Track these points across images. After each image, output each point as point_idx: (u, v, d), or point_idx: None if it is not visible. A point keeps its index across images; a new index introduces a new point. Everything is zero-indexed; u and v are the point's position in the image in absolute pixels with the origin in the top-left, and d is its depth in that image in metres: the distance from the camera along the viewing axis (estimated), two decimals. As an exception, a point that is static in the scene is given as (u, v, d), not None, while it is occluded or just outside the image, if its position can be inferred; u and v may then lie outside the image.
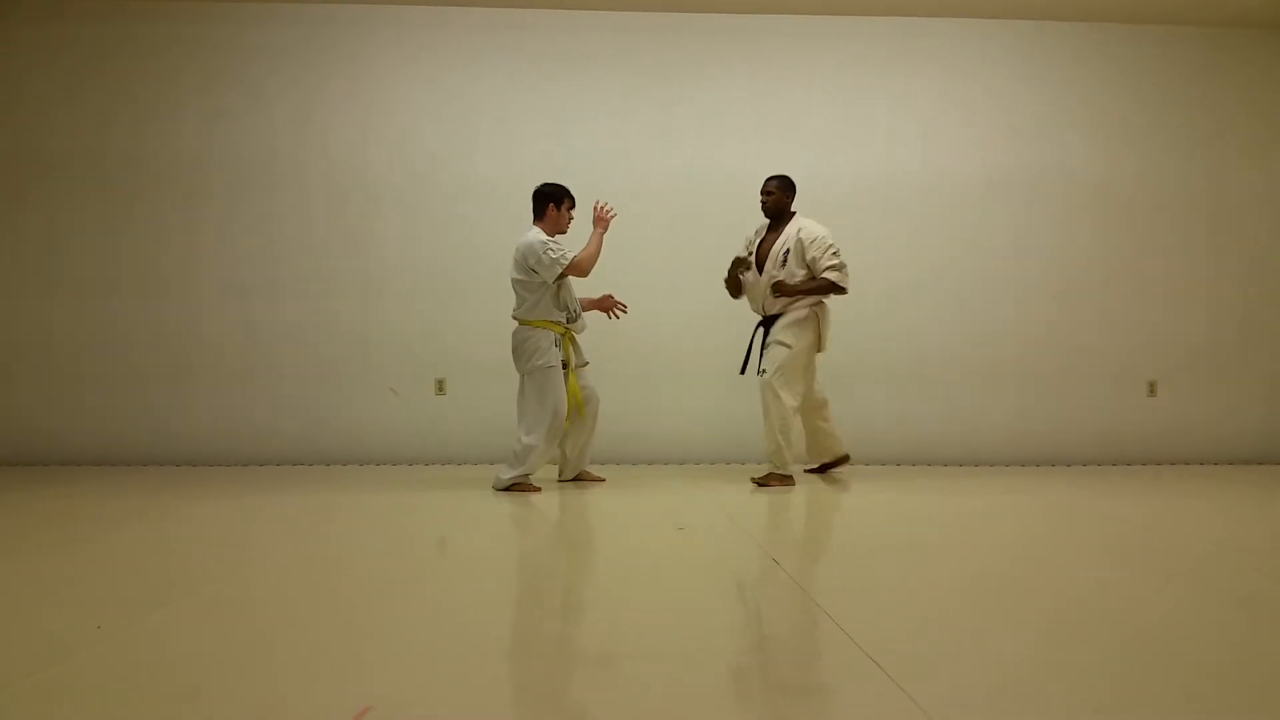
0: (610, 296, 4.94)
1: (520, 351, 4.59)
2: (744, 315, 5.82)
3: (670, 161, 6.09)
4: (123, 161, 5.99)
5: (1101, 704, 1.57)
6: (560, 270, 4.47)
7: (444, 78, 6.10)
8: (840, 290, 4.80)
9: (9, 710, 1.52)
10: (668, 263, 6.02)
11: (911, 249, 6.15)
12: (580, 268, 4.54)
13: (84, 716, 1.50)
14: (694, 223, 6.01)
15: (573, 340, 4.74)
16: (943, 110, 6.23)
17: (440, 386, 5.97)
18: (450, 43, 6.11)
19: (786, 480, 4.78)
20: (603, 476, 5.01)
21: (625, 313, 4.98)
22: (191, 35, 6.04)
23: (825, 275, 4.74)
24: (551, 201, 4.62)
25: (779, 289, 4.78)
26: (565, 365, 4.61)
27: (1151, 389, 6.22)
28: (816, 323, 4.84)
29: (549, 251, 4.44)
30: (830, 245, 4.76)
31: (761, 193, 4.98)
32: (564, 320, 4.64)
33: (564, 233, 4.67)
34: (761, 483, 4.77)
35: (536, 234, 4.52)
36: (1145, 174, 6.28)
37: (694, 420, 6.03)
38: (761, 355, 4.90)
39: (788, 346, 4.75)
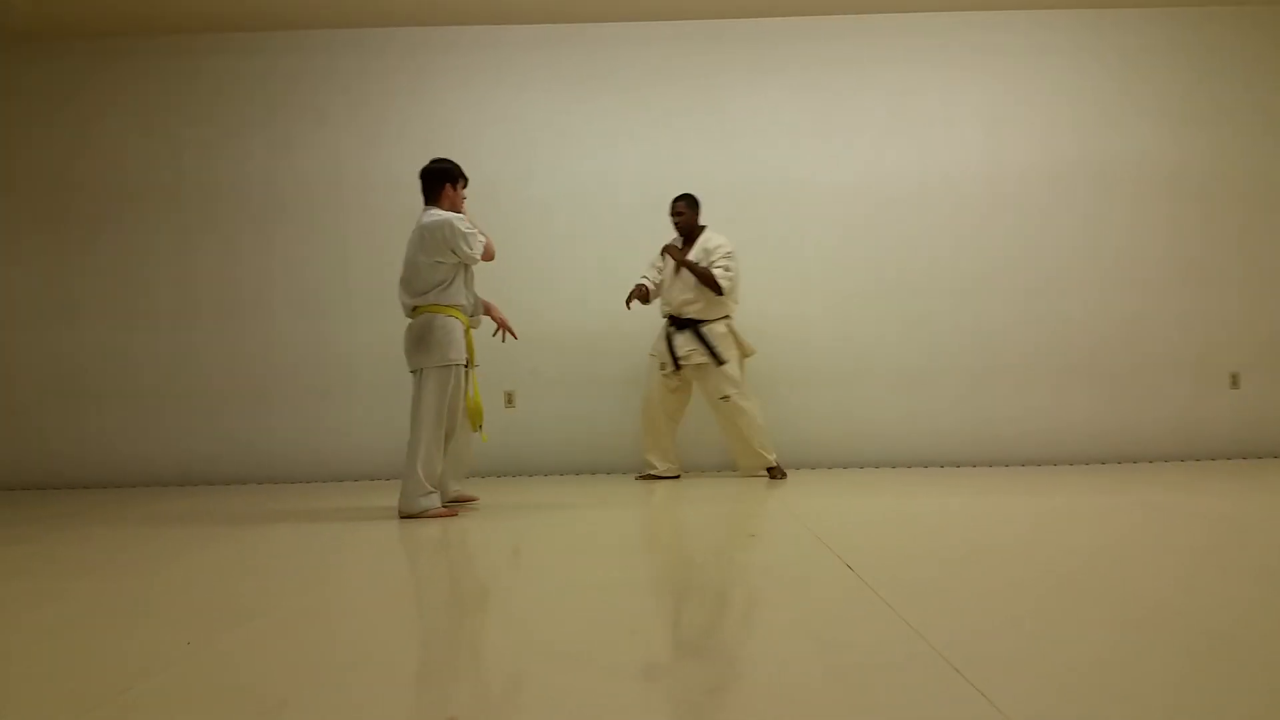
0: (504, 320, 4.53)
1: (426, 342, 4.06)
2: (801, 320, 5.83)
3: (725, 167, 6.09)
4: (196, 190, 6.20)
5: (1186, 708, 1.53)
6: (482, 249, 4.12)
7: (497, 96, 6.20)
8: (717, 289, 5.16)
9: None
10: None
11: (977, 245, 6.05)
12: (490, 250, 4.26)
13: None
14: (751, 227, 6.00)
15: (469, 334, 4.26)
16: (1004, 103, 6.13)
17: (509, 399, 6.04)
18: (502, 62, 6.21)
19: (781, 472, 5.33)
20: (475, 495, 4.61)
21: (514, 339, 4.61)
22: (257, 66, 6.24)
23: (707, 270, 5.16)
24: (449, 180, 4.21)
25: (668, 250, 5.28)
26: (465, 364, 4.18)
27: (1234, 381, 6.02)
28: (734, 335, 5.29)
29: (468, 228, 4.04)
30: (728, 254, 5.21)
31: (672, 214, 5.34)
32: (469, 310, 4.27)
33: (460, 214, 4.20)
34: (774, 475, 5.32)
35: (445, 212, 4.10)
36: (1219, 161, 6.08)
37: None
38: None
39: (724, 363, 5.21)
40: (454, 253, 4.05)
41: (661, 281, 5.38)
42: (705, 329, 5.23)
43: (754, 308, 5.92)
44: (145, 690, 1.76)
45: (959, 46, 6.16)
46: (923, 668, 1.74)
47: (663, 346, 5.33)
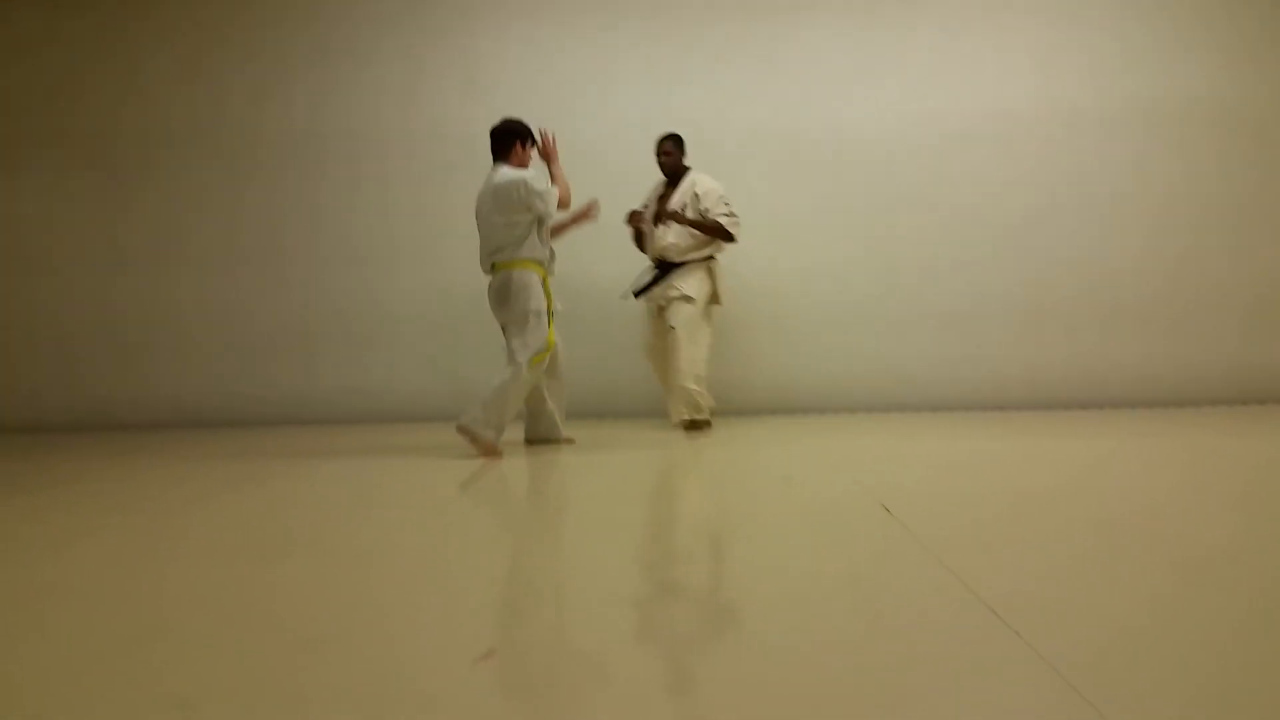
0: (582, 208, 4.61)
1: (506, 297, 4.21)
2: (845, 262, 5.75)
3: (771, 108, 6.00)
4: (241, 136, 6.21)
5: (1238, 656, 1.49)
6: (555, 201, 4.20)
7: (542, 38, 6.12)
8: (729, 237, 5.01)
9: (156, 658, 1.62)
10: (775, 211, 5.93)
11: (1025, 185, 5.93)
12: (565, 201, 4.30)
13: (221, 664, 1.58)
14: (796, 169, 5.91)
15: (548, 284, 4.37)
16: (1054, 40, 5.97)
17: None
18: (545, 3, 6.12)
19: (705, 426, 5.08)
20: (572, 437, 4.59)
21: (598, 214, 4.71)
22: (300, 9, 6.20)
23: (715, 220, 4.95)
24: (519, 139, 4.28)
25: (674, 217, 4.97)
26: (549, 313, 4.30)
27: (1288, 322, 5.85)
28: (711, 277, 5.08)
29: (539, 183, 4.15)
30: (722, 196, 4.99)
31: (660, 153, 5.13)
32: (548, 261, 4.36)
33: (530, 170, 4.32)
34: (689, 426, 5.03)
35: (515, 169, 4.21)
36: (1272, 96, 5.89)
37: (796, 370, 5.93)
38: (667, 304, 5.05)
39: (690, 299, 4.97)
40: (529, 209, 4.14)
41: (645, 225, 5.18)
42: (679, 272, 5.04)
43: (798, 250, 5.87)
44: (188, 625, 1.79)
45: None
46: (963, 614, 1.71)
47: (654, 291, 5.16)
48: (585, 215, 4.65)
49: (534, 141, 4.34)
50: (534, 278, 4.23)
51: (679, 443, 4.66)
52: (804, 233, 5.86)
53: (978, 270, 5.89)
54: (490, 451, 4.08)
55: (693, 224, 4.97)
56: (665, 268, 5.10)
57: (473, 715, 1.35)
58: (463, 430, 4.09)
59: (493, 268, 4.29)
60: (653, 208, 5.16)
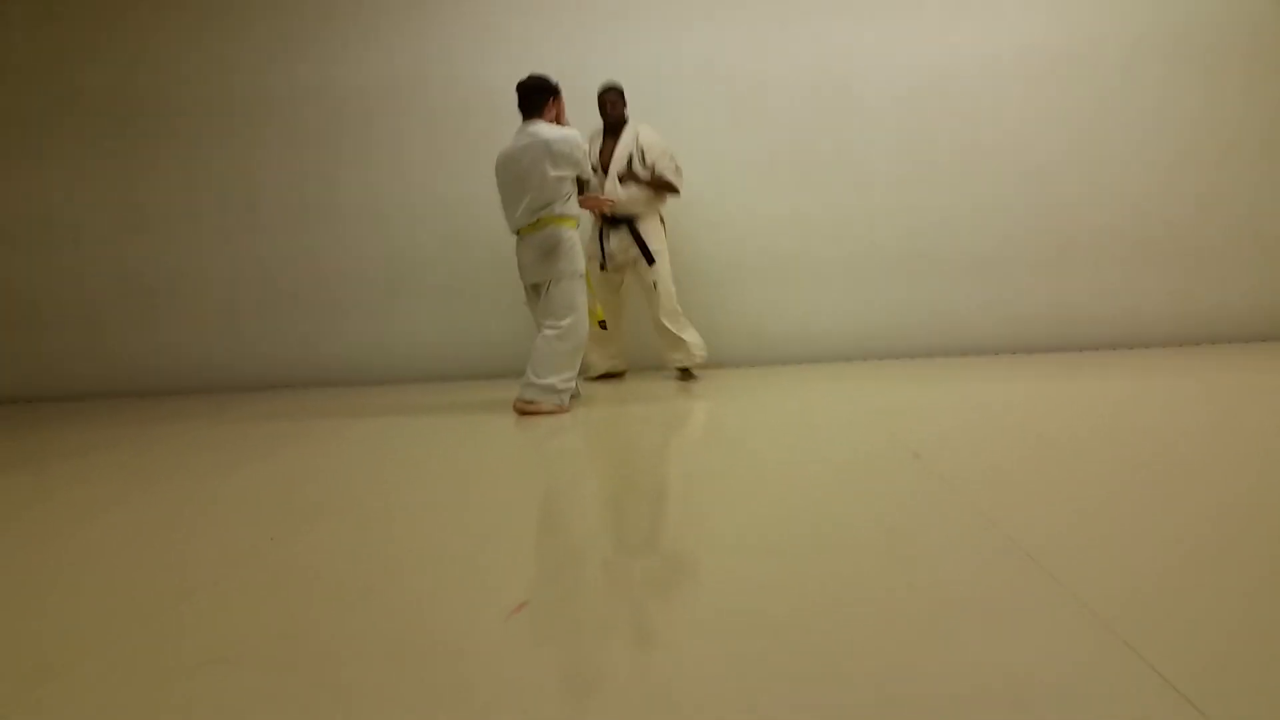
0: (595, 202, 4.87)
1: (555, 254, 4.25)
2: (865, 208, 5.70)
3: (788, 51, 5.87)
4: (254, 96, 6.17)
5: (1268, 592, 1.48)
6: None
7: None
8: (675, 191, 5.09)
9: (194, 617, 1.65)
10: (794, 157, 5.87)
11: (1048, 122, 5.79)
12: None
13: (258, 622, 1.61)
14: (813, 114, 5.82)
15: None
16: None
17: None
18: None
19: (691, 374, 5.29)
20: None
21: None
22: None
23: (664, 177, 5.01)
24: (552, 94, 4.33)
25: (631, 177, 4.97)
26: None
27: (1318, 255, 5.74)
28: (663, 224, 5.20)
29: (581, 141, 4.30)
30: (666, 149, 5.05)
31: (605, 105, 5.08)
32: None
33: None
34: (687, 375, 5.28)
35: (563, 128, 4.28)
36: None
37: (821, 318, 5.91)
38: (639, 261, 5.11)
39: (663, 252, 5.11)
40: (577, 167, 4.25)
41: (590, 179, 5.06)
42: (640, 225, 5.09)
43: (816, 196, 5.80)
44: (223, 585, 1.82)
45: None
46: (999, 558, 1.71)
47: (595, 247, 5.19)
48: (598, 204, 4.86)
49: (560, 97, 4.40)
50: (576, 236, 4.31)
51: (693, 393, 4.65)
52: (824, 178, 5.79)
53: (1000, 212, 5.80)
54: (556, 410, 4.19)
55: (649, 184, 5.02)
56: (613, 222, 5.12)
57: (505, 668, 1.36)
58: (523, 407, 4.18)
59: (534, 224, 4.27)
60: (594, 159, 5.07)
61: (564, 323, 4.24)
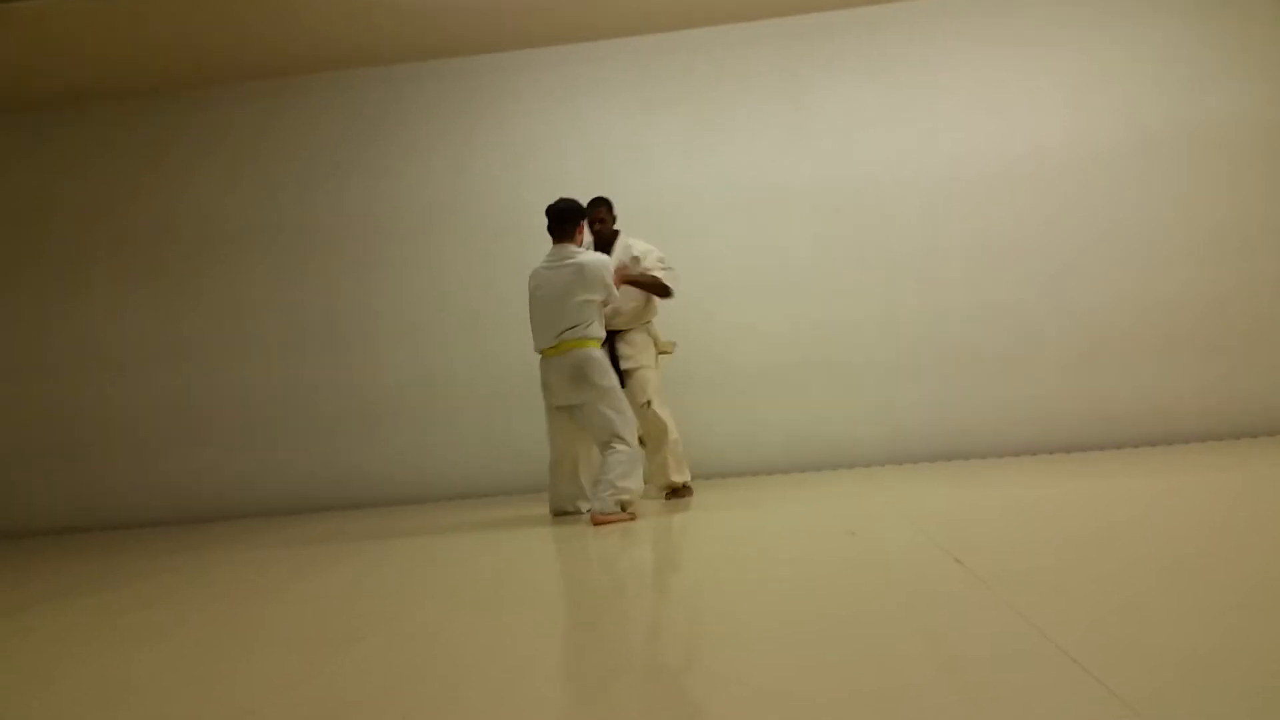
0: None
1: (593, 371, 4.33)
2: (891, 311, 5.76)
3: (806, 164, 6.09)
4: (294, 225, 6.44)
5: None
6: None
7: (582, 111, 6.31)
8: (667, 293, 4.83)
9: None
10: (817, 264, 6.00)
11: (1067, 223, 5.90)
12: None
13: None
14: (836, 221, 5.97)
15: None
16: (1086, 73, 5.97)
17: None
18: (581, 78, 6.33)
19: (688, 491, 4.94)
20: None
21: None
22: (345, 103, 6.48)
23: (649, 274, 4.79)
24: (583, 218, 4.56)
25: (621, 275, 4.71)
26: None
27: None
28: (653, 340, 4.98)
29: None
30: (659, 255, 4.88)
31: (593, 221, 4.90)
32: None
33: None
34: (674, 493, 4.89)
35: (596, 254, 4.50)
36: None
37: (851, 422, 5.91)
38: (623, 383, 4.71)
39: (648, 367, 4.86)
40: (607, 289, 4.41)
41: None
42: (624, 339, 4.85)
43: (844, 301, 5.87)
44: (267, 712, 1.83)
45: (1033, 21, 6.02)
46: (1041, 661, 1.69)
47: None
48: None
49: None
50: (604, 353, 4.45)
51: (727, 505, 4.64)
52: (848, 284, 5.90)
53: (1026, 310, 5.84)
54: (624, 519, 4.19)
55: (642, 281, 4.79)
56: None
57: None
58: (599, 520, 4.16)
59: (557, 346, 4.39)
60: None
61: (621, 434, 4.30)
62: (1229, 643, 1.74)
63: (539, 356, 4.54)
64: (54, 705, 2.06)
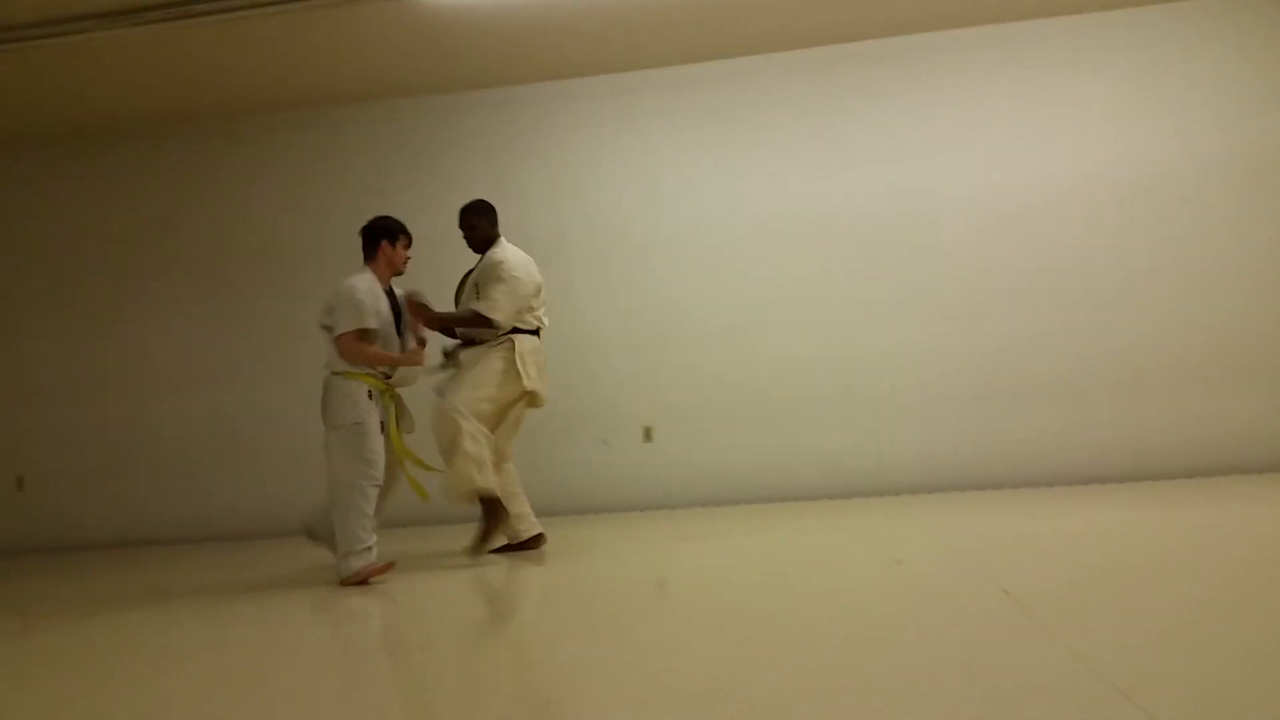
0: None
1: (325, 405, 4.08)
2: (938, 338, 5.68)
3: (850, 192, 6.05)
4: (346, 249, 6.49)
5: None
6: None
7: (623, 141, 6.35)
8: (486, 322, 4.11)
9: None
10: (862, 292, 5.97)
11: (1117, 250, 5.79)
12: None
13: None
14: (880, 248, 5.94)
15: (397, 397, 4.14)
16: (1136, 101, 5.87)
17: (648, 434, 6.08)
18: (623, 107, 6.37)
19: (537, 542, 4.37)
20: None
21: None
22: (394, 128, 6.59)
23: (473, 305, 4.17)
24: (385, 237, 4.05)
25: (420, 316, 4.21)
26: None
27: None
28: (501, 364, 4.15)
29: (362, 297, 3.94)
30: (503, 273, 4.14)
31: (462, 227, 4.43)
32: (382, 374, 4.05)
33: (401, 274, 4.17)
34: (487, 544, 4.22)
35: (357, 278, 4.01)
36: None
37: (896, 449, 5.84)
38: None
39: (478, 387, 4.14)
40: (329, 314, 4.10)
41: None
42: (468, 351, 4.27)
43: (887, 330, 5.82)
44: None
45: (1080, 49, 5.95)
46: (1091, 695, 1.64)
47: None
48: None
49: (407, 240, 4.17)
50: (357, 387, 4.15)
51: (767, 530, 4.58)
52: (891, 313, 5.83)
53: (1074, 336, 5.73)
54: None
55: (449, 319, 4.34)
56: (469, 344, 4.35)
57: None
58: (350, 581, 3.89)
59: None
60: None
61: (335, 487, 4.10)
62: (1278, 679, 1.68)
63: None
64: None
